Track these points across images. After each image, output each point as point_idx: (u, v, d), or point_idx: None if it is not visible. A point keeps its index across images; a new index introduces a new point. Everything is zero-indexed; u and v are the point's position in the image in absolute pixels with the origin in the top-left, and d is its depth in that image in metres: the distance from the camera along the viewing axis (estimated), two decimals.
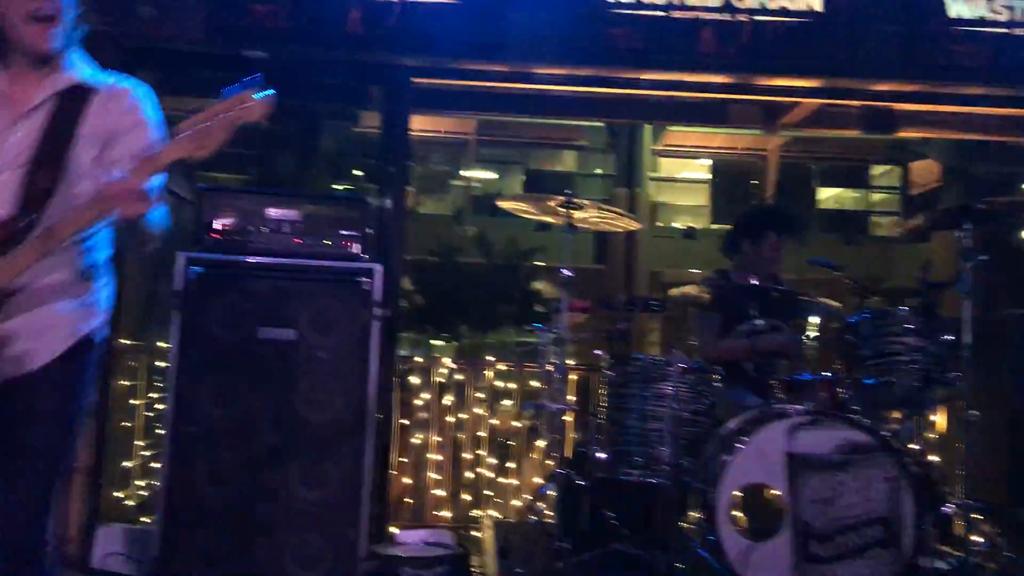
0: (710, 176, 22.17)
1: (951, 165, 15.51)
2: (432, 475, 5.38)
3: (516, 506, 5.36)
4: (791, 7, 4.83)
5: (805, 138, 17.71)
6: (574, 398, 5.40)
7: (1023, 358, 5.29)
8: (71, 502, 4.20)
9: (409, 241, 5.06)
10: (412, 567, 3.75)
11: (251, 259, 3.99)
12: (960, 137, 7.16)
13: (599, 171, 22.10)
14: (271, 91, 2.07)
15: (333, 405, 3.94)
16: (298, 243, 4.09)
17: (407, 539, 4.13)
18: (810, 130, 7.36)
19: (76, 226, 2.06)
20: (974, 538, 3.53)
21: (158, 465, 4.17)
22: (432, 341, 17.32)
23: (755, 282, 3.97)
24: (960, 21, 4.90)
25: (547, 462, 5.17)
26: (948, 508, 3.59)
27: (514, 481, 5.46)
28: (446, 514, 5.34)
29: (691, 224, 20.98)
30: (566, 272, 3.99)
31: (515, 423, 5.57)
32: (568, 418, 4.98)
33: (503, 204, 4.39)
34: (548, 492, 3.96)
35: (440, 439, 5.43)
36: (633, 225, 4.81)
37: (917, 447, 3.97)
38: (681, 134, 20.18)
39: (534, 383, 5.45)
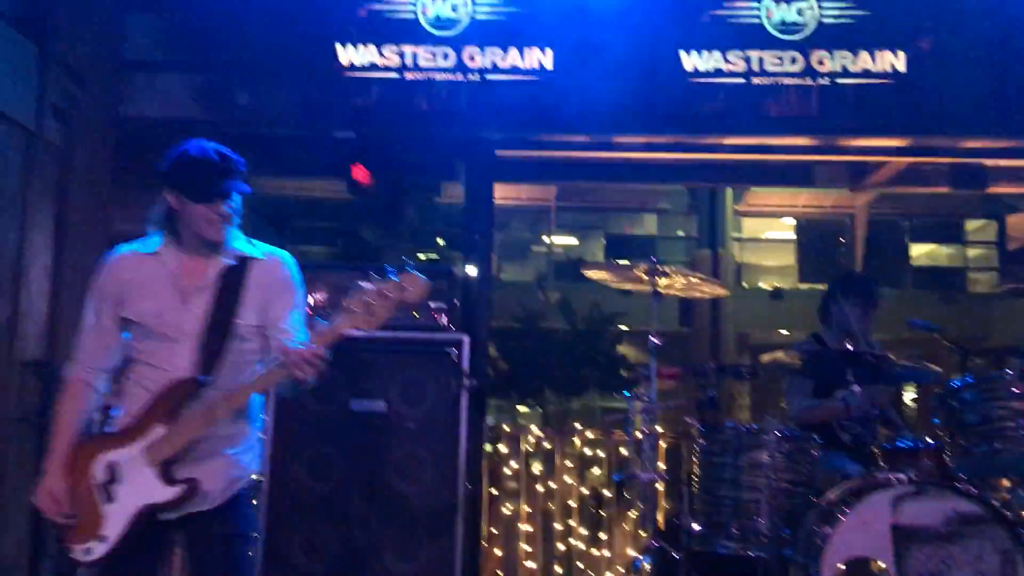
0: (795, 235, 21.82)
1: None
2: (524, 546, 5.33)
3: None
4: (874, 69, 4.81)
5: (895, 193, 17.34)
6: (664, 466, 5.30)
7: None
8: None
9: (493, 308, 5.10)
10: None
11: None
12: None
13: (681, 233, 21.98)
14: (425, 278, 2.37)
15: (424, 476, 3.96)
16: None
17: None
18: (899, 188, 7.23)
19: (257, 388, 2.44)
20: None
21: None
22: (518, 407, 17.28)
23: (850, 347, 3.87)
24: None
25: (640, 533, 5.07)
26: None
27: (606, 553, 5.37)
28: None
29: (777, 284, 20.61)
30: (655, 340, 3.96)
31: (605, 492, 5.49)
32: (659, 487, 4.89)
33: (589, 274, 4.41)
34: (643, 565, 3.88)
35: (530, 509, 5.39)
36: (719, 291, 4.75)
37: None
38: (764, 193, 19.95)
39: (623, 451, 5.39)
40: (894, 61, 4.77)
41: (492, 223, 5.39)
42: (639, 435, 4.08)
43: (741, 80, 4.80)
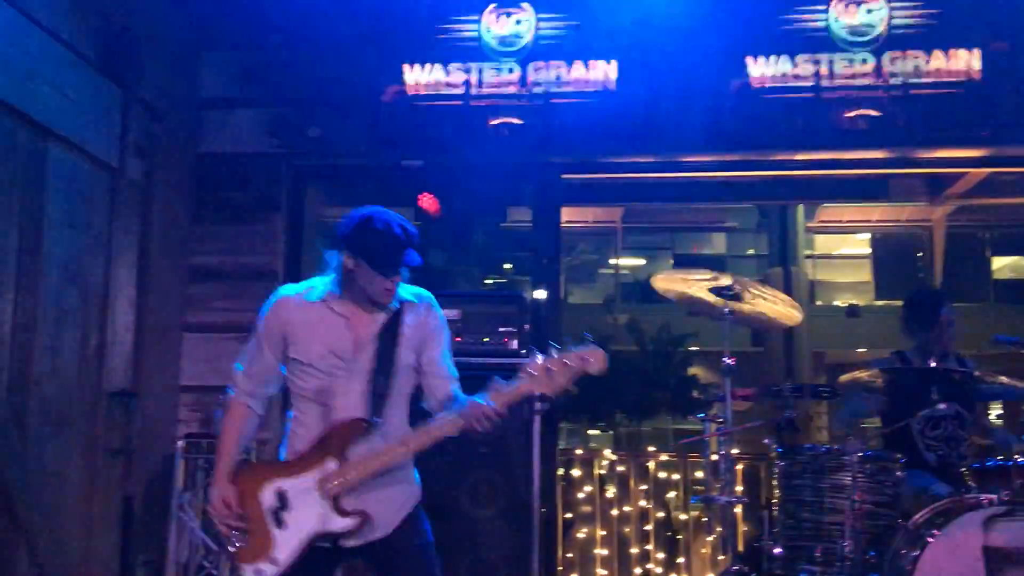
0: (871, 250, 21.32)
1: None
2: (600, 571, 5.28)
3: None
4: (947, 73, 4.64)
5: (974, 205, 16.84)
6: (742, 488, 5.21)
7: None
8: None
9: (562, 331, 5.10)
10: None
11: None
12: None
13: (751, 252, 21.69)
14: (601, 350, 2.53)
15: (498, 500, 3.96)
16: (458, 341, 4.19)
17: None
18: (979, 199, 7.01)
19: (434, 436, 2.57)
20: None
21: None
22: (588, 431, 17.17)
23: (934, 364, 3.76)
24: None
25: (719, 557, 4.98)
26: None
27: None
28: None
29: (853, 302, 20.13)
30: (728, 361, 3.91)
31: (682, 516, 5.41)
32: (738, 510, 4.80)
33: (658, 285, 4.31)
34: None
35: (605, 532, 5.34)
36: (794, 317, 4.46)
37: None
38: (837, 209, 19.56)
39: (698, 473, 5.31)
40: (969, 65, 4.60)
41: (559, 246, 5.39)
42: (715, 457, 4.02)
43: (811, 95, 4.71)
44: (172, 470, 4.43)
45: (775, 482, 3.81)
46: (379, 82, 4.95)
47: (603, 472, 5.48)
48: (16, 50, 3.61)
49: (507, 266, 17.87)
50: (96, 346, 4.15)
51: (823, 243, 21.31)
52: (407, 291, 2.76)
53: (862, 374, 4.08)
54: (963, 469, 3.52)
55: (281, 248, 4.96)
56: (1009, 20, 4.69)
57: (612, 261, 22.21)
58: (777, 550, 3.67)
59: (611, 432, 17.53)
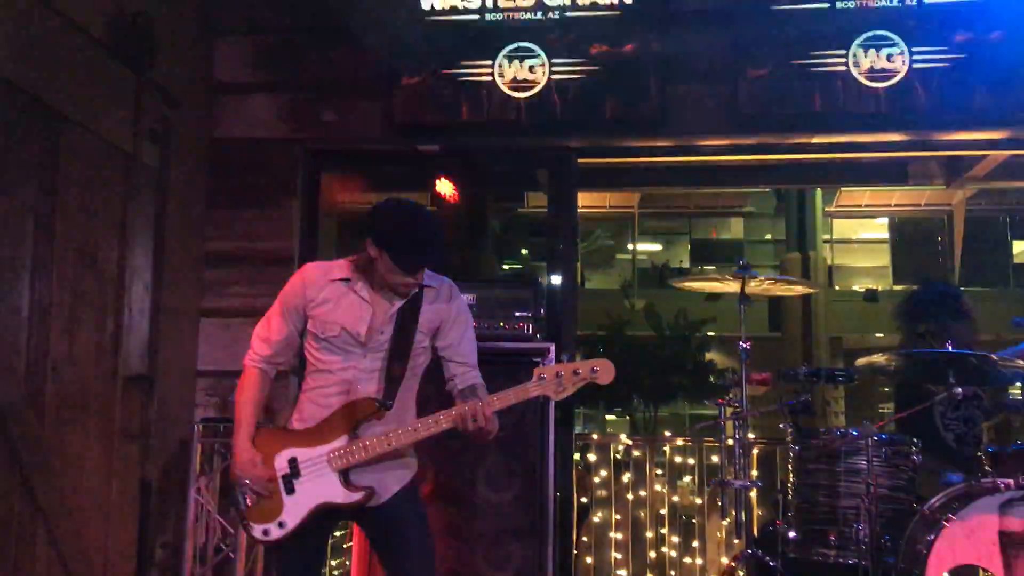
0: (889, 235, 21.18)
1: None
2: (615, 554, 5.28)
3: None
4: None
5: (994, 188, 16.66)
6: (757, 473, 5.19)
7: None
8: None
9: (578, 317, 5.08)
10: None
11: None
12: None
13: (769, 236, 21.58)
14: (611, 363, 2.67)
15: (514, 485, 3.97)
16: (474, 326, 4.19)
17: None
18: (999, 183, 6.93)
19: (436, 430, 2.68)
20: None
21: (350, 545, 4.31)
22: (606, 416, 17.18)
23: (950, 347, 3.73)
24: None
25: (734, 541, 4.97)
26: None
27: (699, 560, 5.28)
28: None
29: (871, 286, 20.02)
30: (744, 345, 3.90)
31: (697, 500, 5.41)
32: (753, 494, 4.78)
33: (679, 285, 4.33)
34: (738, 572, 3.81)
35: (620, 517, 5.35)
36: (809, 289, 4.54)
37: None
38: (856, 193, 19.44)
39: (714, 458, 5.30)
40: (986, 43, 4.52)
41: (576, 232, 5.36)
42: (730, 442, 4.01)
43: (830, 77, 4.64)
44: (189, 454, 4.46)
45: (790, 466, 3.80)
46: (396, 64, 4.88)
47: (619, 457, 5.48)
48: (30, 35, 3.62)
49: (523, 251, 17.87)
50: (112, 331, 4.18)
51: (841, 228, 21.18)
52: (429, 276, 2.82)
53: (878, 358, 4.05)
54: (979, 453, 3.50)
55: (296, 233, 4.97)
56: None
57: (629, 246, 22.16)
58: (792, 534, 3.67)
59: (628, 417, 17.52)
